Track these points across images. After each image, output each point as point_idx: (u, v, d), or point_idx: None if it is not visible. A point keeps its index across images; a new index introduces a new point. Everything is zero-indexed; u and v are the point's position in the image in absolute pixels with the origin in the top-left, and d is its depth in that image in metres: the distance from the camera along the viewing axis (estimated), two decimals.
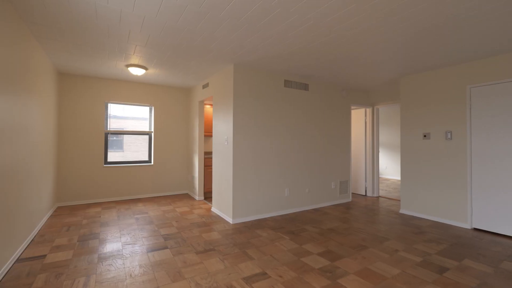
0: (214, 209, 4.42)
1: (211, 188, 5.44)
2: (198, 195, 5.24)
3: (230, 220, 3.84)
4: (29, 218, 3.04)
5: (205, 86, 4.92)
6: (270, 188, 4.18)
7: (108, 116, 5.17)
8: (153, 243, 3.06)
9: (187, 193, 5.85)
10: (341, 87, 5.17)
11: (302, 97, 4.59)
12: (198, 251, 2.85)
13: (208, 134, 5.77)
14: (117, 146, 5.17)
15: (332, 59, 3.60)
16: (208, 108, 5.80)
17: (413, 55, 3.44)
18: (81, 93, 4.84)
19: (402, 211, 4.43)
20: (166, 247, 2.94)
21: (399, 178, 8.24)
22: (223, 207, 4.11)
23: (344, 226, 3.70)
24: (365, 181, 5.74)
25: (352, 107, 5.79)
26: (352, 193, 5.96)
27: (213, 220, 3.93)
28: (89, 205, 4.74)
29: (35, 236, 3.22)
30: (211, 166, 5.44)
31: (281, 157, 4.30)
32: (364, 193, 5.77)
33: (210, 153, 6.17)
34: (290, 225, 3.74)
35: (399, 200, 5.31)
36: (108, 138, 5.16)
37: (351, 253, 2.83)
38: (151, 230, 3.48)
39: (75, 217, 4.01)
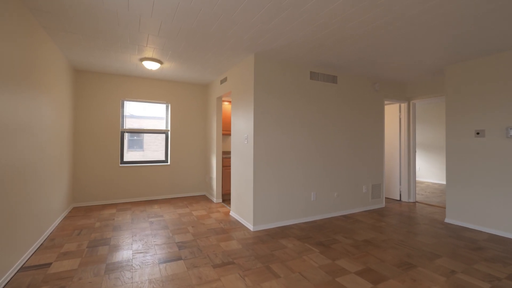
0: (232, 214, 4.08)
1: (230, 190, 5.10)
2: (216, 197, 4.93)
3: (250, 227, 3.47)
4: (36, 221, 2.84)
5: (223, 81, 4.59)
6: (295, 191, 3.76)
7: (124, 114, 4.99)
8: (167, 252, 2.75)
9: (204, 195, 5.56)
10: (374, 79, 4.63)
11: (330, 91, 4.12)
12: (216, 264, 2.50)
13: (226, 132, 5.45)
14: (137, 145, 4.97)
15: (368, 45, 3.11)
16: (226, 105, 5.48)
17: (467, 38, 2.88)
18: (97, 90, 4.69)
19: (448, 220, 3.83)
20: (180, 258, 2.61)
21: (435, 181, 7.48)
22: (242, 211, 3.75)
23: (381, 238, 3.20)
24: (400, 184, 5.14)
25: (386, 102, 5.22)
26: (385, 197, 5.38)
27: (232, 226, 3.58)
28: (104, 206, 4.58)
29: (45, 240, 3.03)
30: (230, 166, 5.11)
31: (307, 157, 3.86)
32: (398, 198, 5.18)
33: (229, 152, 5.85)
34: (318, 235, 3.29)
35: (442, 207, 4.67)
36: (125, 137, 4.99)
37: (397, 273, 2.35)
38: (165, 237, 3.19)
39: (89, 219, 3.83)
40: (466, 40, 2.97)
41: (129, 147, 4.93)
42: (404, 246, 2.95)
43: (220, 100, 4.98)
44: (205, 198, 5.27)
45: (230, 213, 4.18)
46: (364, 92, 4.52)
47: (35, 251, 2.75)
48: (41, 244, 2.93)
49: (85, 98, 4.61)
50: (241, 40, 3.07)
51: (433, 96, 4.71)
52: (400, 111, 5.17)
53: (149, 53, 3.62)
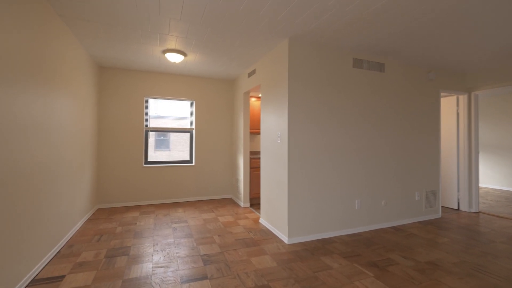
0: (262, 221, 3.63)
1: (258, 193, 4.67)
2: (243, 201, 4.52)
3: (285, 238, 3.00)
4: (53, 226, 2.61)
5: (251, 74, 4.17)
6: (336, 198, 3.22)
7: (148, 113, 4.77)
8: (190, 268, 2.37)
9: (230, 198, 5.19)
10: (428, 67, 3.94)
11: (376, 81, 3.52)
12: (247, 287, 2.07)
13: (254, 131, 5.03)
14: (164, 145, 4.74)
15: (430, 19, 2.50)
16: (253, 101, 5.06)
17: None
18: (120, 87, 4.51)
19: None
20: (205, 277, 2.22)
21: (495, 186, 6.44)
22: (274, 220, 3.29)
23: (450, 259, 2.57)
24: (458, 191, 4.36)
25: (442, 94, 4.46)
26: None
27: (263, 237, 3.14)
28: (128, 208, 4.37)
29: (63, 246, 2.81)
30: (258, 168, 4.68)
31: (349, 159, 3.30)
32: (456, 207, 4.40)
33: (257, 152, 5.42)
34: (368, 252, 2.74)
35: None
36: (149, 136, 4.76)
37: None
38: (189, 247, 2.82)
39: (110, 223, 3.60)
40: None
41: (156, 146, 4.70)
42: (485, 273, 2.31)
43: (247, 95, 4.57)
44: (231, 202, 4.90)
45: (259, 220, 3.74)
46: (416, 82, 3.84)
47: (51, 259, 2.51)
48: (59, 251, 2.70)
49: (108, 96, 4.44)
50: (274, 21, 2.62)
51: (503, 85, 3.89)
52: (457, 105, 4.39)
53: (171, 43, 3.30)
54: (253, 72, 4.06)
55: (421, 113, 3.87)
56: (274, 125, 3.30)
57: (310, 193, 3.08)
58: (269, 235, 3.20)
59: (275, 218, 3.26)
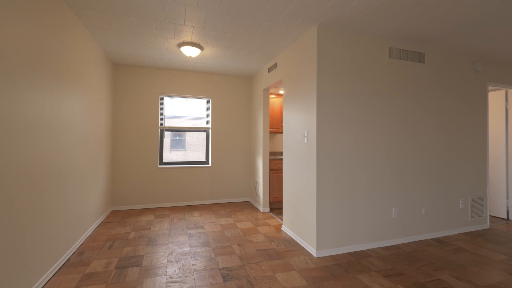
0: (285, 229, 3.31)
1: (279, 197, 4.35)
2: (262, 205, 4.22)
3: (312, 250, 2.66)
4: (63, 232, 2.42)
5: (271, 68, 3.86)
6: (370, 206, 2.85)
7: (164, 113, 4.57)
8: (208, 284, 2.09)
9: (248, 201, 4.90)
10: (474, 56, 3.46)
11: (415, 73, 3.11)
12: None
13: (274, 130, 4.72)
14: (180, 145, 4.53)
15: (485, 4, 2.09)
16: (273, 98, 4.75)
17: None
18: (135, 85, 4.34)
19: None
20: None
21: None
22: (300, 228, 2.96)
23: None
24: (507, 198, 3.84)
25: (489, 88, 3.96)
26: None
27: (287, 248, 2.82)
28: (142, 211, 4.18)
29: (73, 253, 2.62)
30: (279, 170, 4.36)
31: (385, 161, 2.92)
32: (505, 216, 3.87)
33: (277, 153, 5.11)
34: (411, 270, 2.35)
35: None
36: (164, 136, 4.57)
37: None
38: (206, 258, 2.55)
39: (124, 228, 3.40)
40: None
41: (172, 146, 4.50)
42: None
43: (267, 92, 4.27)
44: (249, 206, 4.60)
45: (282, 228, 3.42)
46: (460, 73, 3.38)
47: (60, 268, 2.32)
48: (68, 258, 2.51)
49: (123, 94, 4.28)
50: (303, 4, 2.29)
51: None
52: (506, 100, 3.86)
53: (187, 36, 3.05)
54: (274, 66, 3.75)
55: (466, 109, 3.41)
56: (299, 124, 2.98)
57: (341, 200, 2.73)
58: (294, 246, 2.87)
59: (301, 226, 2.93)
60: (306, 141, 2.82)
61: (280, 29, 2.81)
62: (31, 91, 1.86)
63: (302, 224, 2.91)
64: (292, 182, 3.16)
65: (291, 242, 2.97)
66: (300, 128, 2.97)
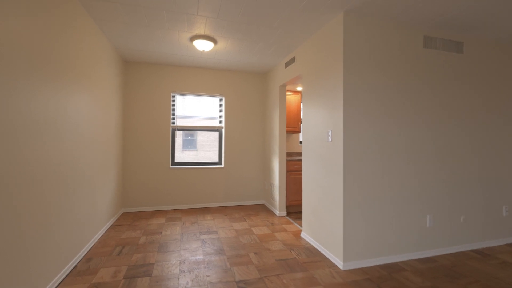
0: (305, 236, 3.06)
1: (297, 201, 4.09)
2: (278, 209, 3.97)
3: (338, 262, 2.40)
4: (69, 237, 2.27)
5: (289, 63, 3.61)
6: (402, 213, 2.55)
7: (176, 112, 4.41)
8: None
9: (263, 204, 4.67)
10: None
11: (452, 64, 2.78)
12: None
13: (290, 129, 4.46)
14: (191, 145, 4.36)
15: None
16: (289, 96, 4.49)
17: None
18: (146, 83, 4.19)
19: None
20: None
21: None
22: (322, 235, 2.69)
23: None
24: None
25: None
26: None
27: (309, 258, 2.56)
28: (153, 213, 4.03)
29: (80, 260, 2.47)
30: (297, 171, 4.10)
31: (418, 163, 2.61)
32: None
33: (294, 153, 4.85)
34: (452, 287, 2.05)
35: None
36: (176, 135, 4.40)
37: None
38: (221, 268, 2.34)
39: (134, 231, 3.24)
40: None
41: (184, 146, 4.33)
42: None
43: (283, 89, 4.02)
44: (264, 209, 4.37)
45: (301, 235, 3.17)
46: (505, 64, 3.02)
47: (65, 277, 2.16)
48: (75, 266, 2.35)
49: (134, 92, 4.14)
50: None
51: None
52: None
53: (200, 27, 2.85)
54: (292, 60, 3.49)
55: (510, 106, 3.04)
56: (322, 122, 2.71)
57: (371, 205, 2.45)
58: (316, 256, 2.61)
59: (323, 234, 2.67)
60: (330, 140, 2.55)
61: (301, 17, 2.56)
62: (33, 88, 1.69)
63: (324, 231, 2.64)
64: (313, 185, 2.90)
65: (313, 251, 2.71)
66: (322, 126, 2.71)
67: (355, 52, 2.42)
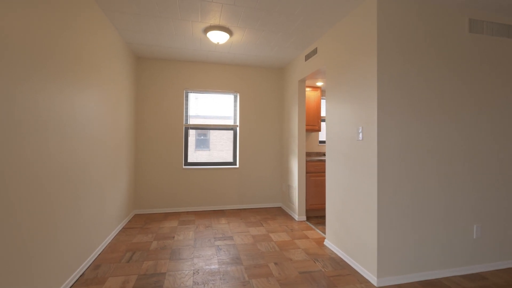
0: (329, 244, 2.78)
1: (317, 204, 3.81)
2: (297, 213, 3.70)
3: (371, 277, 2.11)
4: (76, 244, 2.10)
5: (310, 55, 3.34)
6: (445, 222, 2.22)
7: (189, 113, 4.23)
8: None
9: (280, 207, 4.41)
10: None
11: (503, 52, 2.42)
12: None
13: (309, 127, 4.18)
14: (204, 144, 4.18)
15: None
16: (308, 92, 4.21)
17: None
18: (159, 80, 4.03)
19: None
20: None
21: None
22: (350, 245, 2.41)
23: None
24: None
25: None
26: None
27: (336, 271, 2.28)
28: (166, 216, 3.86)
29: (88, 267, 2.30)
30: (318, 173, 3.82)
31: (463, 166, 2.28)
32: None
33: (313, 153, 4.57)
34: None
35: None
36: (189, 134, 4.23)
37: None
38: (238, 281, 2.10)
39: (146, 235, 3.07)
40: None
41: (197, 146, 4.15)
42: None
43: (303, 84, 3.74)
44: (281, 212, 4.11)
45: (324, 243, 2.89)
46: None
47: (71, 287, 1.99)
48: (83, 273, 2.19)
49: (146, 90, 3.99)
50: None
51: None
52: None
53: (215, 17, 2.63)
54: (314, 52, 3.22)
55: None
56: (350, 118, 2.43)
57: (409, 213, 2.14)
58: (344, 268, 2.33)
59: (351, 242, 2.38)
60: (361, 138, 2.26)
61: (327, 1, 2.29)
62: (35, 84, 1.52)
63: (353, 240, 2.36)
64: (338, 188, 2.62)
65: (340, 263, 2.43)
66: (351, 123, 2.42)
67: (390, 39, 2.12)
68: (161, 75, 4.04)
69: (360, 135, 2.26)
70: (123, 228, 3.33)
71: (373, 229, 2.10)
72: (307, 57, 3.41)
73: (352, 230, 2.38)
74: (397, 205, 2.11)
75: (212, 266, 2.34)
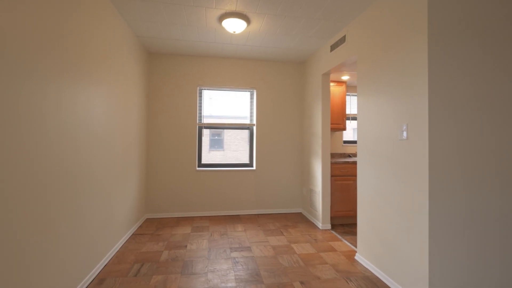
0: (361, 259, 2.41)
1: (343, 212, 3.43)
2: (321, 221, 3.34)
3: None
4: (79, 257, 1.87)
5: (336, 45, 2.98)
6: (508, 238, 1.81)
7: (202, 106, 3.97)
8: None
9: (300, 213, 4.06)
10: None
11: None
12: None
13: (334, 126, 3.82)
14: (218, 145, 3.91)
15: None
16: (332, 87, 3.84)
17: None
18: (171, 76, 3.80)
19: None
20: None
21: None
22: (390, 263, 2.04)
23: None
24: None
25: None
26: None
27: None
28: (178, 221, 3.61)
29: (92, 280, 2.07)
30: (343, 176, 3.44)
31: None
32: None
33: (337, 155, 4.19)
34: None
35: None
36: (203, 134, 3.97)
37: None
38: None
39: (157, 244, 2.83)
40: None
41: (211, 146, 3.89)
42: None
43: (327, 77, 3.38)
44: (303, 219, 3.76)
45: (355, 257, 2.52)
46: None
47: None
48: None
49: (158, 87, 3.77)
50: None
51: None
52: None
53: (231, 2, 2.34)
54: (342, 40, 2.86)
55: None
56: (391, 113, 2.06)
57: (469, 226, 1.74)
58: None
59: (390, 259, 2.01)
60: (405, 137, 1.89)
61: None
62: (33, 79, 1.28)
63: (392, 257, 1.98)
64: (373, 195, 2.25)
65: (377, 284, 2.06)
66: (391, 120, 2.05)
67: (444, 21, 1.74)
68: (174, 71, 3.81)
69: (404, 133, 1.89)
70: (133, 234, 3.11)
71: (424, 248, 1.72)
72: (333, 47, 3.05)
73: (391, 245, 2.01)
74: (454, 216, 1.72)
75: (229, 284, 2.05)
